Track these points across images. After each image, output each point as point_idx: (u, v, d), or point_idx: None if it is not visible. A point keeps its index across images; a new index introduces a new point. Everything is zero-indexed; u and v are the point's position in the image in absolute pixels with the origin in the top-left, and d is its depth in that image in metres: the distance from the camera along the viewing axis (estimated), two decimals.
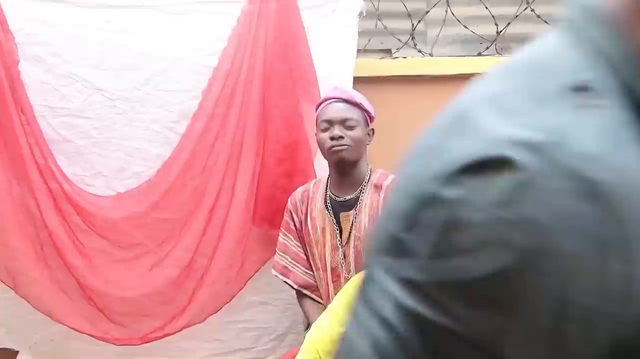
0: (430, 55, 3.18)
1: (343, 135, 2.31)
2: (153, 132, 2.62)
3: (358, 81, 2.81)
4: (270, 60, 2.62)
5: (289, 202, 2.50)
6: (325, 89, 2.53)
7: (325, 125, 2.35)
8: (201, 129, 2.59)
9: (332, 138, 2.32)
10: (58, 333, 2.60)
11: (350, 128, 2.34)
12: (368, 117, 2.42)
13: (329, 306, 2.19)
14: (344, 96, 2.39)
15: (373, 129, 2.43)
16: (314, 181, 2.52)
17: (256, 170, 2.62)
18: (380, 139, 3.02)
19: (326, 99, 2.41)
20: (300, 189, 2.51)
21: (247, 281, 2.65)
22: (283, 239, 2.51)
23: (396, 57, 3.12)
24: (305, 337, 2.15)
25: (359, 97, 2.44)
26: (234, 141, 2.61)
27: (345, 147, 2.31)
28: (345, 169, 2.37)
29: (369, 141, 2.42)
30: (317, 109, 2.45)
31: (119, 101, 2.60)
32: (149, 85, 2.60)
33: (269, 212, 2.57)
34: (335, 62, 2.75)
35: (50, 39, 2.56)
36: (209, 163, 2.61)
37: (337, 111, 2.36)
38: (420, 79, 3.04)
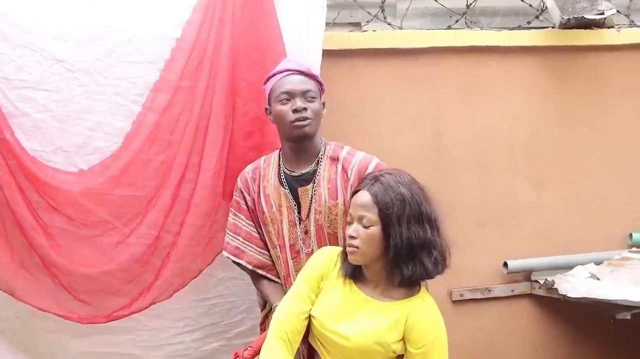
0: (400, 28, 3.17)
1: (306, 107, 2.26)
2: (116, 105, 2.53)
3: (327, 54, 2.78)
4: (238, 31, 2.56)
5: (238, 181, 2.45)
6: None
7: (284, 97, 2.27)
8: (165, 102, 2.52)
9: (295, 110, 2.25)
10: (23, 310, 2.53)
11: (311, 100, 2.29)
12: (321, 90, 2.37)
13: (293, 285, 2.17)
14: (300, 68, 2.32)
15: (324, 102, 2.38)
16: (263, 157, 2.45)
17: (225, 144, 2.57)
18: (351, 112, 3.01)
19: (281, 71, 2.32)
20: (249, 167, 2.45)
21: (215, 257, 2.61)
22: (233, 219, 2.45)
23: (365, 30, 3.10)
24: (272, 319, 2.13)
25: (313, 69, 2.39)
26: (201, 114, 2.54)
27: (309, 121, 2.26)
28: (303, 144, 2.31)
29: (323, 114, 2.37)
30: (266, 82, 2.37)
31: (80, 72, 2.49)
32: (112, 57, 2.51)
33: None
34: (304, 35, 2.71)
35: (7, 8, 2.43)
36: (174, 137, 2.54)
37: (298, 82, 2.29)
38: (390, 52, 3.03)
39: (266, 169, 2.40)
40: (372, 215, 1.97)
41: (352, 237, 1.99)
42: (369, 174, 2.13)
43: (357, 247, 1.98)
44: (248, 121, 2.57)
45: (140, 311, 2.57)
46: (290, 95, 2.27)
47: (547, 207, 3.30)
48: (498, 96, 3.20)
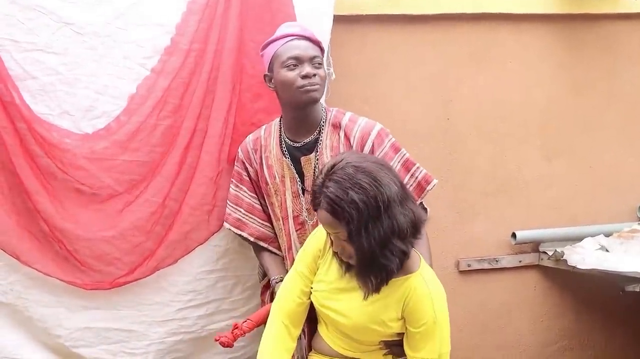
0: None
1: (315, 73, 2.21)
2: (124, 69, 2.50)
3: (338, 20, 2.75)
4: None
5: (239, 153, 2.42)
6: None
7: (292, 62, 2.21)
8: (177, 66, 2.49)
9: (305, 76, 2.20)
10: (17, 283, 2.51)
11: (318, 67, 2.24)
12: (322, 54, 2.32)
13: (292, 267, 2.15)
14: (305, 34, 2.26)
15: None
16: (264, 127, 2.42)
17: (232, 108, 2.54)
18: (360, 79, 2.97)
19: (285, 36, 2.26)
20: (250, 137, 2.42)
21: (222, 225, 2.57)
22: (235, 191, 2.43)
23: None
24: (273, 302, 2.12)
25: (317, 34, 2.33)
26: (209, 78, 2.51)
27: (318, 86, 2.22)
28: (307, 111, 2.27)
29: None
30: (265, 47, 2.30)
31: (88, 35, 2.47)
32: (121, 19, 2.48)
33: None
34: None
35: None
36: (184, 102, 2.51)
37: (305, 48, 2.23)
38: (401, 18, 3.00)
39: (267, 139, 2.37)
40: (343, 230, 1.84)
41: (341, 253, 1.92)
42: (313, 184, 1.92)
43: (352, 257, 1.90)
44: (256, 83, 2.53)
45: (145, 276, 2.54)
46: (299, 61, 2.22)
47: (557, 177, 3.28)
48: (510, 65, 3.16)
